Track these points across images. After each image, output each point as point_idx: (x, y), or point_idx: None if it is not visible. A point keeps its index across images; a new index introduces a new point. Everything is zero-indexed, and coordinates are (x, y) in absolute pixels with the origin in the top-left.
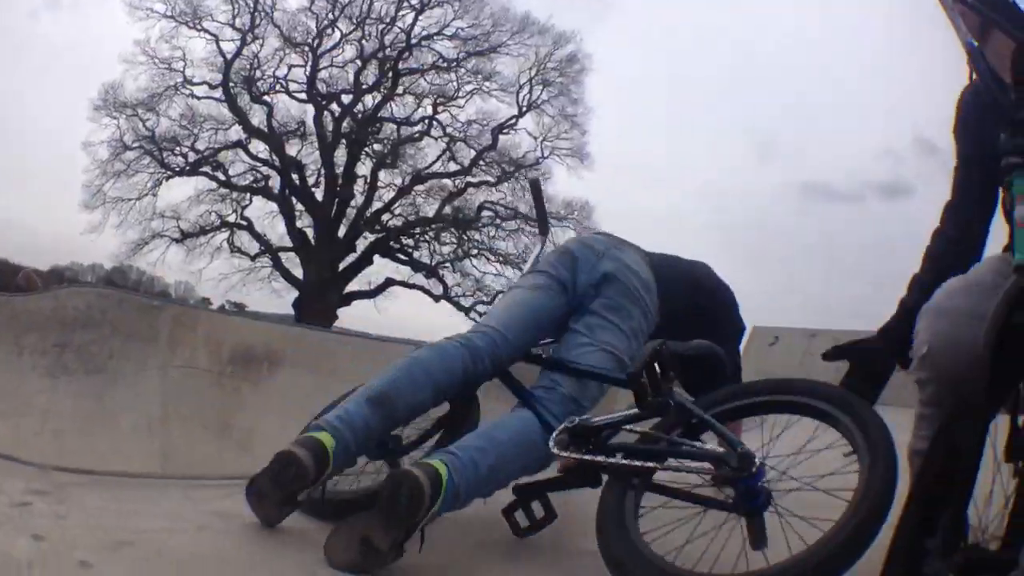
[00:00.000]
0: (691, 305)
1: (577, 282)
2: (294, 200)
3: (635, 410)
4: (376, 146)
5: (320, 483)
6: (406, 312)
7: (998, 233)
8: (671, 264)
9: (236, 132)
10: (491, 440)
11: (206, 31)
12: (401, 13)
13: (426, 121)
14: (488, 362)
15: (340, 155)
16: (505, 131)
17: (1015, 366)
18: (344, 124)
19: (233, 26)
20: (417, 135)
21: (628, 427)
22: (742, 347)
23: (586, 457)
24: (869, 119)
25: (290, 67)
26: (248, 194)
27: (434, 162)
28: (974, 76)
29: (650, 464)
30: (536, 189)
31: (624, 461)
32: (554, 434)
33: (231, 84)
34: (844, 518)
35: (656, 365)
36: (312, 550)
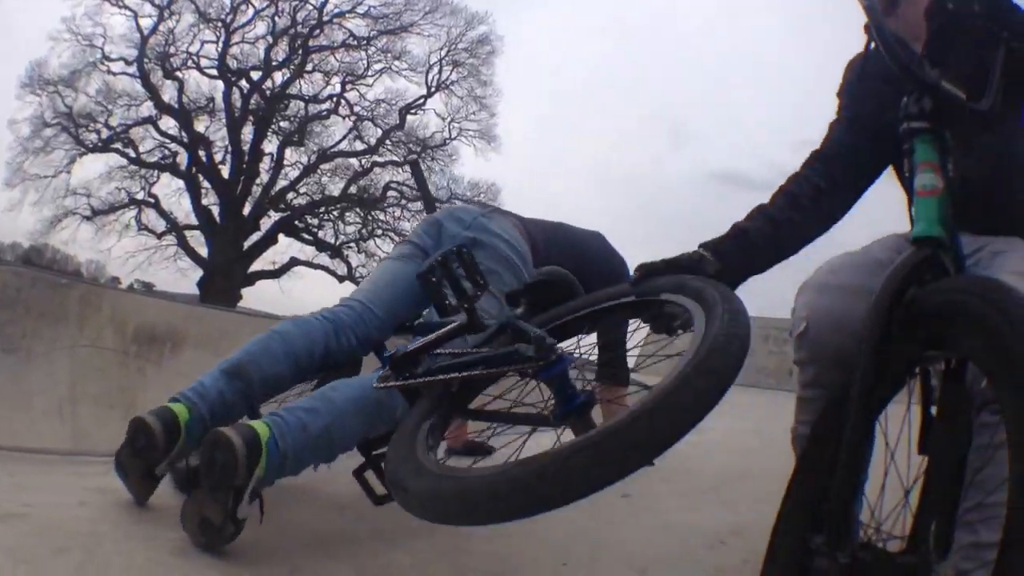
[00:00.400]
0: (579, 272)
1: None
2: (200, 177)
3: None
4: (283, 123)
5: (177, 456)
6: (310, 292)
7: (890, 213)
8: (557, 230)
9: (148, 108)
10: (324, 400)
11: (127, 7)
12: None
13: (334, 99)
14: (354, 336)
15: (247, 132)
16: (413, 111)
17: (908, 347)
18: (252, 101)
19: (152, 2)
20: (324, 113)
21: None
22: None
23: (399, 383)
24: (784, 108)
25: (203, 43)
26: (156, 171)
27: (340, 141)
28: (872, 45)
29: (452, 375)
30: (416, 170)
31: (427, 378)
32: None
33: (146, 60)
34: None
35: (457, 268)
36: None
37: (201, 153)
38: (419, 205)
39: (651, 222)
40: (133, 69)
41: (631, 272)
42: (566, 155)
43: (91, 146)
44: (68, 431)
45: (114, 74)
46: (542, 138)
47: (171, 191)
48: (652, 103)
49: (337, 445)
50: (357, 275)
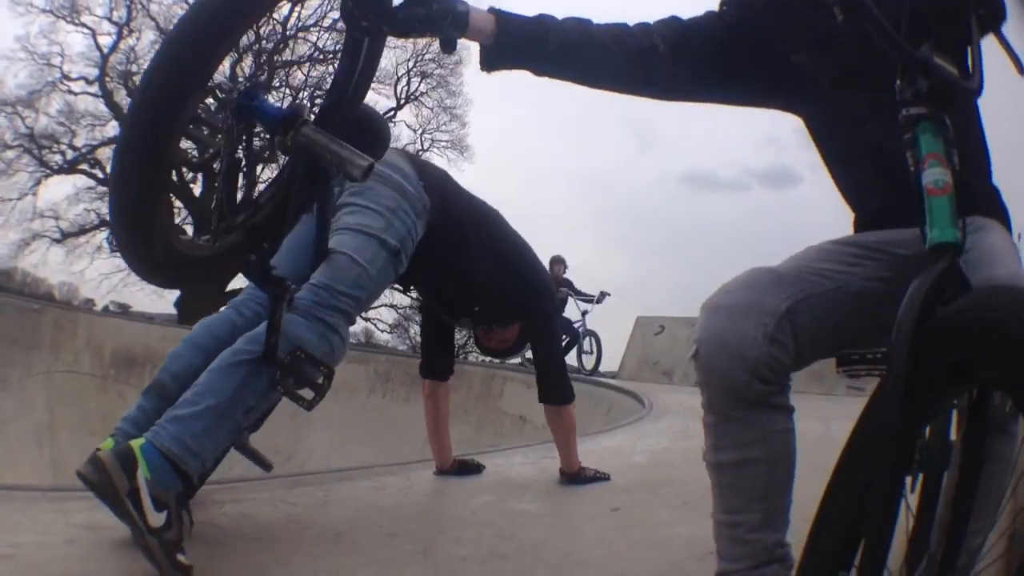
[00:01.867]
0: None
1: None
2: (171, 196)
3: None
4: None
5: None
6: None
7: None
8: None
9: (114, 128)
10: (196, 385)
11: (84, 25)
12: (278, 5)
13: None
14: (256, 305)
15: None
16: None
17: (939, 381)
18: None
19: (110, 19)
20: None
21: None
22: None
23: None
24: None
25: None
26: None
27: None
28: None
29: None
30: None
31: None
32: None
33: (108, 79)
34: None
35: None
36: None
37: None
38: None
39: (624, 223)
40: (95, 88)
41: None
42: (537, 162)
43: (56, 168)
44: (47, 459)
45: (75, 94)
46: (512, 145)
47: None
48: (619, 108)
49: (237, 417)
50: None
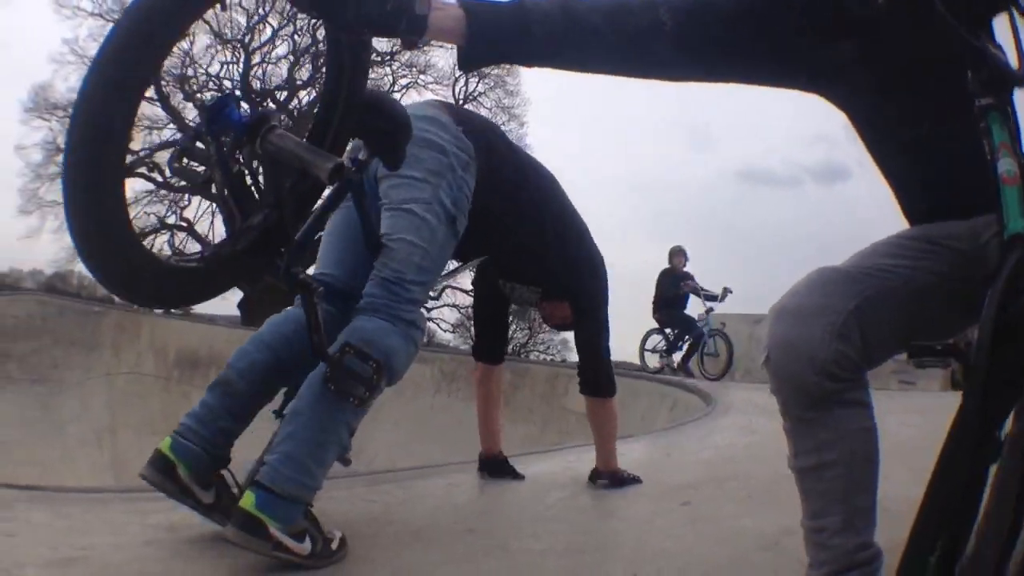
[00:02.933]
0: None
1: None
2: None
3: None
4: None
5: (199, 477)
6: None
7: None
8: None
9: (171, 131)
10: (295, 416)
11: None
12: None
13: None
14: (326, 306)
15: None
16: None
17: (1016, 365)
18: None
19: None
20: None
21: None
22: None
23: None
24: (798, 104)
25: (223, 64)
26: (186, 195)
27: None
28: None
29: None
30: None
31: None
32: None
33: (164, 82)
34: None
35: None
36: (262, 562)
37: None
38: None
39: (681, 222)
40: (150, 92)
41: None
42: (592, 162)
43: None
44: (107, 459)
45: None
46: (566, 145)
47: (203, 214)
48: (674, 109)
49: (337, 442)
50: None
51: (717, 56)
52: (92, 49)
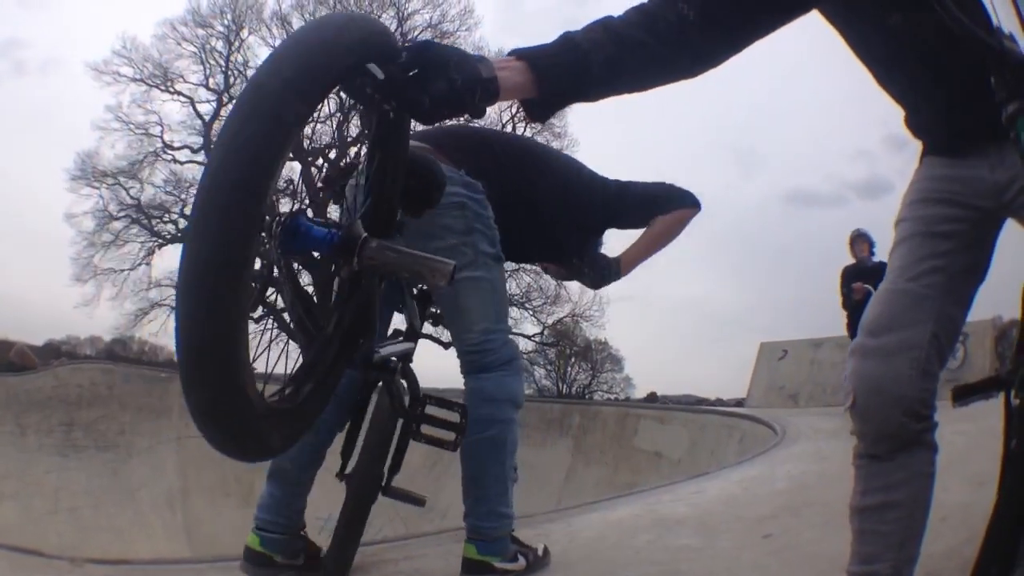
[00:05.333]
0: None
1: None
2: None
3: None
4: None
5: (292, 561)
6: (417, 361)
7: None
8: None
9: None
10: (472, 482)
11: (180, 93)
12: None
13: None
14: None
15: (332, 210)
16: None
17: None
18: None
19: (207, 86)
20: None
21: None
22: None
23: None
24: (837, 122)
25: None
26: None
27: None
28: None
29: None
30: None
31: None
32: None
33: (213, 146)
34: None
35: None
36: None
37: None
38: (514, 264)
39: (734, 249)
40: (201, 157)
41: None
42: None
43: (169, 237)
44: (180, 522)
45: (180, 163)
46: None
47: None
48: (718, 133)
49: (504, 479)
50: None
51: (741, 20)
52: (138, 115)
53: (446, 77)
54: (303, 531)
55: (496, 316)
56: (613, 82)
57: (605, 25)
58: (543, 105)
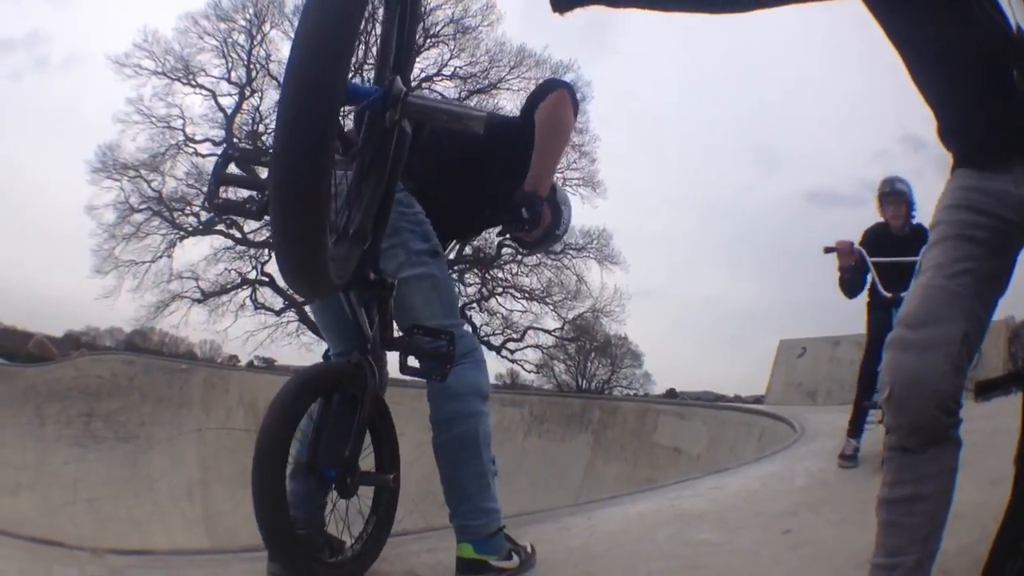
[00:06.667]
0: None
1: None
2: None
3: None
4: None
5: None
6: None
7: None
8: None
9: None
10: (449, 483)
11: (202, 87)
12: None
13: None
14: None
15: None
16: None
17: None
18: None
19: (229, 80)
20: None
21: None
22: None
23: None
24: (857, 122)
25: None
26: (266, 249)
27: None
28: None
29: None
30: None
31: None
32: None
33: (235, 140)
34: None
35: None
36: None
37: None
38: (535, 259)
39: (754, 247)
40: (222, 150)
41: None
42: (663, 192)
43: (191, 229)
44: (199, 513)
45: (202, 156)
46: (636, 178)
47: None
48: (739, 132)
49: (484, 473)
50: (482, 334)
51: None
52: (160, 108)
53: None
54: (326, 527)
55: (444, 311)
56: None
57: None
58: None
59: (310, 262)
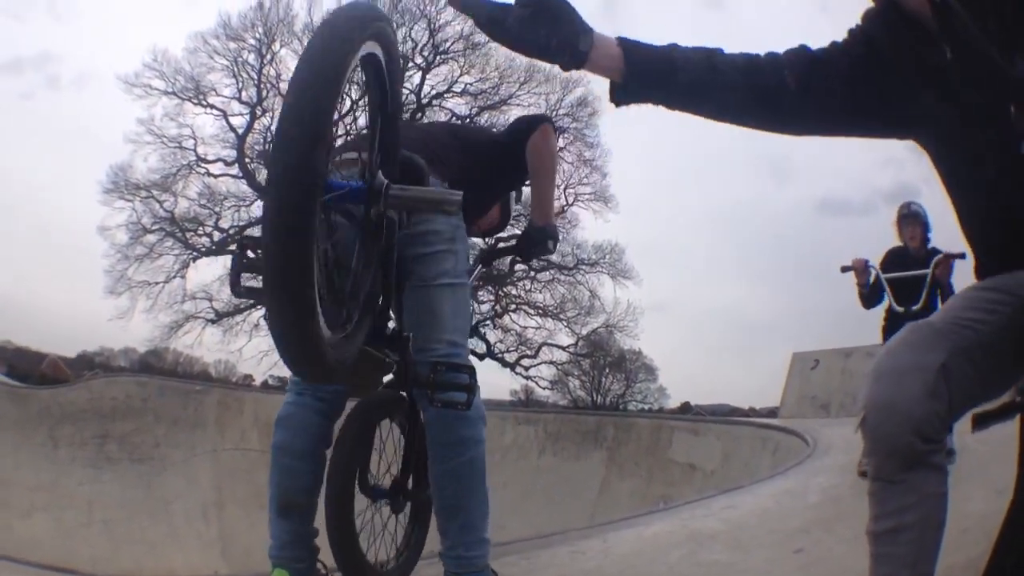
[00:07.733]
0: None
1: None
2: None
3: None
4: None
5: None
6: None
7: None
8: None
9: (259, 208)
10: (448, 512)
11: (212, 107)
12: (407, 74)
13: None
14: (322, 392)
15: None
16: (528, 183)
17: None
18: None
19: (240, 99)
20: None
21: None
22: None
23: None
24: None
25: None
26: None
27: None
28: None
29: None
30: None
31: None
32: None
33: (247, 159)
34: None
35: None
36: None
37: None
38: (548, 275)
39: (767, 257)
40: (235, 170)
41: None
42: (675, 204)
43: (204, 250)
44: (215, 534)
45: (215, 176)
46: (647, 191)
47: None
48: (754, 143)
49: (482, 503)
50: (496, 351)
51: (836, 111)
52: (171, 129)
53: (546, 32)
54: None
55: (463, 332)
56: (693, 102)
57: (710, 54)
58: (625, 92)
59: (305, 348)
